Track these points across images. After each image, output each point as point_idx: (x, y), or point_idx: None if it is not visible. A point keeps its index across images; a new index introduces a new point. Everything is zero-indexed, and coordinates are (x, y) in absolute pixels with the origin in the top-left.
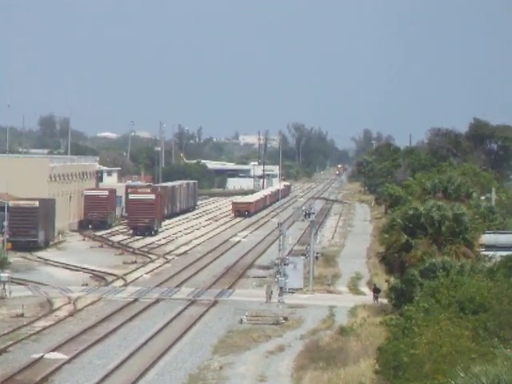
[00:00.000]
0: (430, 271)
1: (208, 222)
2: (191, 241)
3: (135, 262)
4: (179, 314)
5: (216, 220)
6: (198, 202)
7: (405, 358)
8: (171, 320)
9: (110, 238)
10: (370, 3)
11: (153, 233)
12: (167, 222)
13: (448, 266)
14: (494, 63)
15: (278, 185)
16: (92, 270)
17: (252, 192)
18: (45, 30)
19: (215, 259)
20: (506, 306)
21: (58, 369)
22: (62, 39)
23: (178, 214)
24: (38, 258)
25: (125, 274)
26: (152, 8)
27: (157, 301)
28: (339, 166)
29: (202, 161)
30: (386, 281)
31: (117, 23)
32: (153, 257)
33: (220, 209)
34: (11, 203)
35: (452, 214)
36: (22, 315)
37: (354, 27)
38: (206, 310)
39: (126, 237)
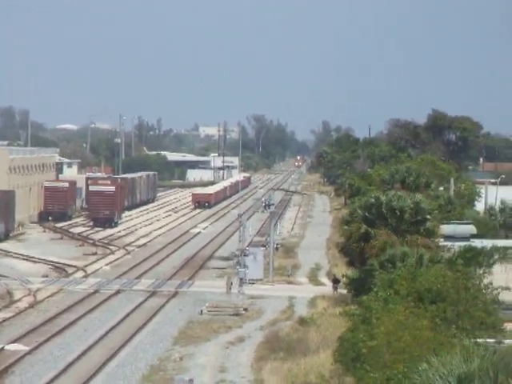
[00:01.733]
0: (390, 262)
1: (168, 214)
2: (151, 232)
3: (95, 254)
4: (139, 305)
5: (176, 211)
6: (158, 194)
7: (363, 349)
8: (132, 311)
9: (71, 230)
10: None
11: (113, 224)
12: (127, 213)
13: (408, 257)
14: (451, 54)
15: (237, 176)
16: (52, 262)
17: (212, 183)
18: (2, 20)
19: (175, 250)
20: (463, 295)
21: (19, 360)
22: (20, 30)
23: (138, 206)
24: None
25: (85, 266)
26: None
27: (117, 292)
28: (298, 157)
29: (162, 152)
30: (343, 276)
31: (76, 16)
32: (113, 248)
33: (180, 200)
34: None
35: (412, 203)
36: None
37: (311, 20)
38: (167, 301)
39: (86, 228)
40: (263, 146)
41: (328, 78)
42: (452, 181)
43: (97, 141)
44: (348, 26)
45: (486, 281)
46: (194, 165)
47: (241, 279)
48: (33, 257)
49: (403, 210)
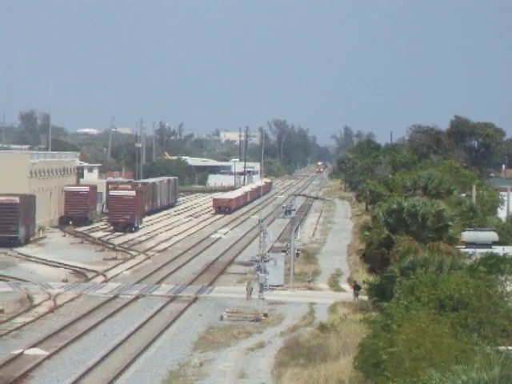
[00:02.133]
0: (410, 269)
1: (188, 219)
2: (171, 237)
3: (115, 259)
4: (159, 310)
5: (196, 217)
6: (179, 199)
7: (383, 356)
8: (151, 316)
9: (91, 235)
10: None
11: (133, 229)
12: (148, 218)
13: (428, 263)
14: (474, 60)
15: (258, 181)
16: (72, 266)
17: (233, 189)
18: (24, 25)
19: (196, 256)
20: (484, 302)
21: (38, 365)
22: (42, 35)
23: (158, 211)
24: (19, 254)
25: (105, 271)
26: (133, 4)
27: (137, 297)
28: (319, 163)
29: (183, 157)
30: (364, 282)
31: (97, 19)
32: (133, 253)
33: (201, 205)
34: None
35: (435, 211)
36: (1, 311)
37: (334, 25)
38: (187, 307)
39: (106, 233)
40: (284, 151)
41: (350, 84)
42: (474, 187)
43: (118, 145)
44: (370, 33)
45: (508, 288)
46: (214, 170)
47: (261, 285)
48: (53, 261)
49: (425, 217)
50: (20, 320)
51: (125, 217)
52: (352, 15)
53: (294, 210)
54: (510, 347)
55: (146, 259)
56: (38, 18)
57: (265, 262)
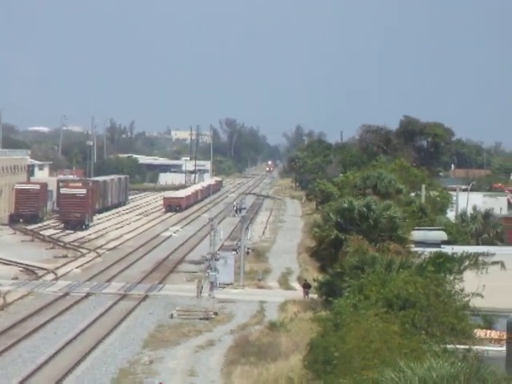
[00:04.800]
0: (359, 268)
1: (139, 217)
2: (122, 235)
3: (66, 256)
4: (109, 308)
5: (147, 215)
6: (130, 197)
7: (335, 353)
8: (101, 314)
9: (41, 232)
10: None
11: (84, 227)
12: (98, 216)
13: (377, 262)
14: (423, 60)
15: (209, 180)
16: (22, 264)
17: (183, 187)
18: None
19: (146, 254)
20: (433, 301)
21: None
22: None
23: (109, 209)
24: None
25: (55, 268)
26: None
27: (87, 295)
28: (269, 162)
29: (134, 155)
30: (314, 280)
31: (44, 15)
32: (84, 251)
33: (151, 203)
34: None
35: (385, 211)
36: None
37: (284, 23)
38: (137, 305)
39: (57, 231)
40: (235, 150)
41: (301, 83)
42: (423, 187)
43: (69, 143)
44: (321, 32)
45: (457, 287)
46: (165, 168)
47: (211, 283)
48: (3, 259)
49: (377, 220)
50: None
51: (75, 215)
52: (299, 13)
53: (245, 208)
54: (458, 346)
55: (96, 257)
56: None
57: (215, 260)
